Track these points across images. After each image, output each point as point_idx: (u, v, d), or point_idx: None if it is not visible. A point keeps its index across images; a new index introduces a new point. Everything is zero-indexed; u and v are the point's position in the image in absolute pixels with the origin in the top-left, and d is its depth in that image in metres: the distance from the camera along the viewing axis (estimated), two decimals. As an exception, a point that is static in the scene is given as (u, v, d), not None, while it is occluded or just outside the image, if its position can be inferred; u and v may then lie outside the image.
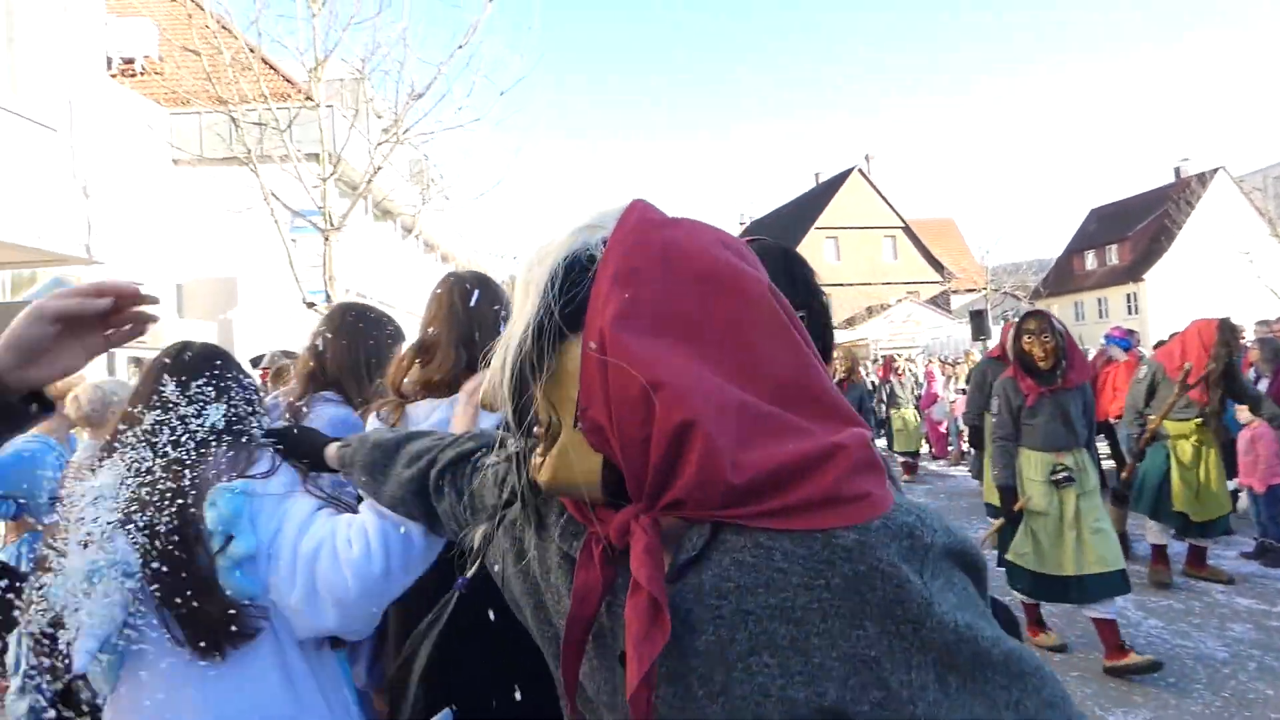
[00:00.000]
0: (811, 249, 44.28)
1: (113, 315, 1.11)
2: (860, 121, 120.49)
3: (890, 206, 44.84)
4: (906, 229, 44.87)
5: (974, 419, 6.55)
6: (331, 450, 1.38)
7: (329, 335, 2.07)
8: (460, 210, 13.57)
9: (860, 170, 45.10)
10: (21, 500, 3.34)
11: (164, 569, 1.26)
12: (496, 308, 1.68)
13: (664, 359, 0.70)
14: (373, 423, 1.72)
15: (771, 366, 0.73)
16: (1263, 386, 6.54)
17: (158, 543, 1.26)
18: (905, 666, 0.64)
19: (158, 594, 1.27)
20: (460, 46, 8.58)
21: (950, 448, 12.43)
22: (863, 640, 0.65)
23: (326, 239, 8.64)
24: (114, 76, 14.17)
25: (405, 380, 1.68)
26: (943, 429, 12.57)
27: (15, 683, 3.05)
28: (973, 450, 7.61)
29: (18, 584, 1.89)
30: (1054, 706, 0.64)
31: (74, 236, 10.04)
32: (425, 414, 1.59)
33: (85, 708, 1.34)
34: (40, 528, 3.25)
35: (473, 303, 1.66)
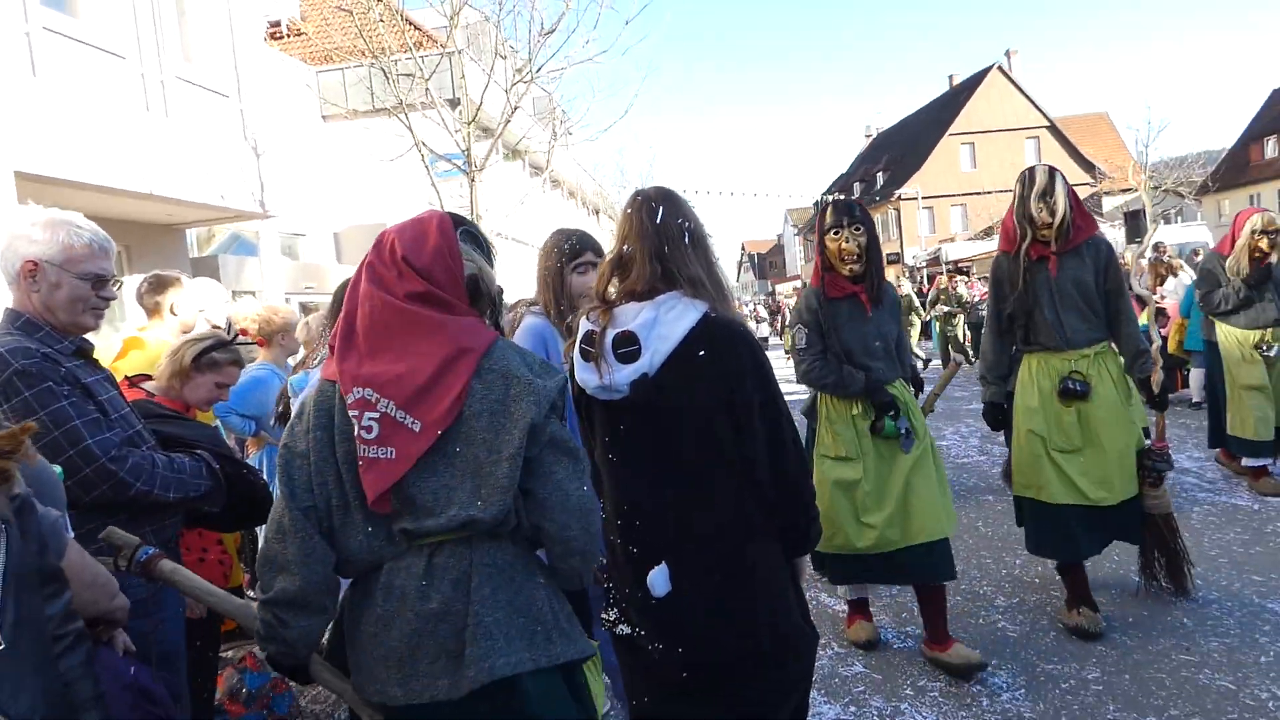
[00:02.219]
0: (945, 156, 41.60)
1: None
2: (999, 18, 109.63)
3: (1034, 104, 41.26)
4: (1052, 128, 41.24)
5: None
6: None
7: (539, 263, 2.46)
8: (588, 145, 13.79)
9: (1000, 68, 41.57)
10: (257, 419, 3.87)
11: None
12: (680, 220, 1.85)
13: None
14: (583, 325, 1.93)
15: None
16: None
17: None
18: None
19: None
20: (585, -22, 8.66)
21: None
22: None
23: (472, 180, 9.14)
24: (264, 40, 15.19)
25: (608, 289, 1.91)
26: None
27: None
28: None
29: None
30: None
31: (250, 194, 11.05)
32: (633, 314, 1.82)
33: None
34: (274, 442, 3.84)
35: (659, 219, 1.84)
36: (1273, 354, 5.07)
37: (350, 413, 1.42)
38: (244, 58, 10.61)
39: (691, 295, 1.78)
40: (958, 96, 43.63)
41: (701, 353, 1.73)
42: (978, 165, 41.04)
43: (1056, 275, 3.33)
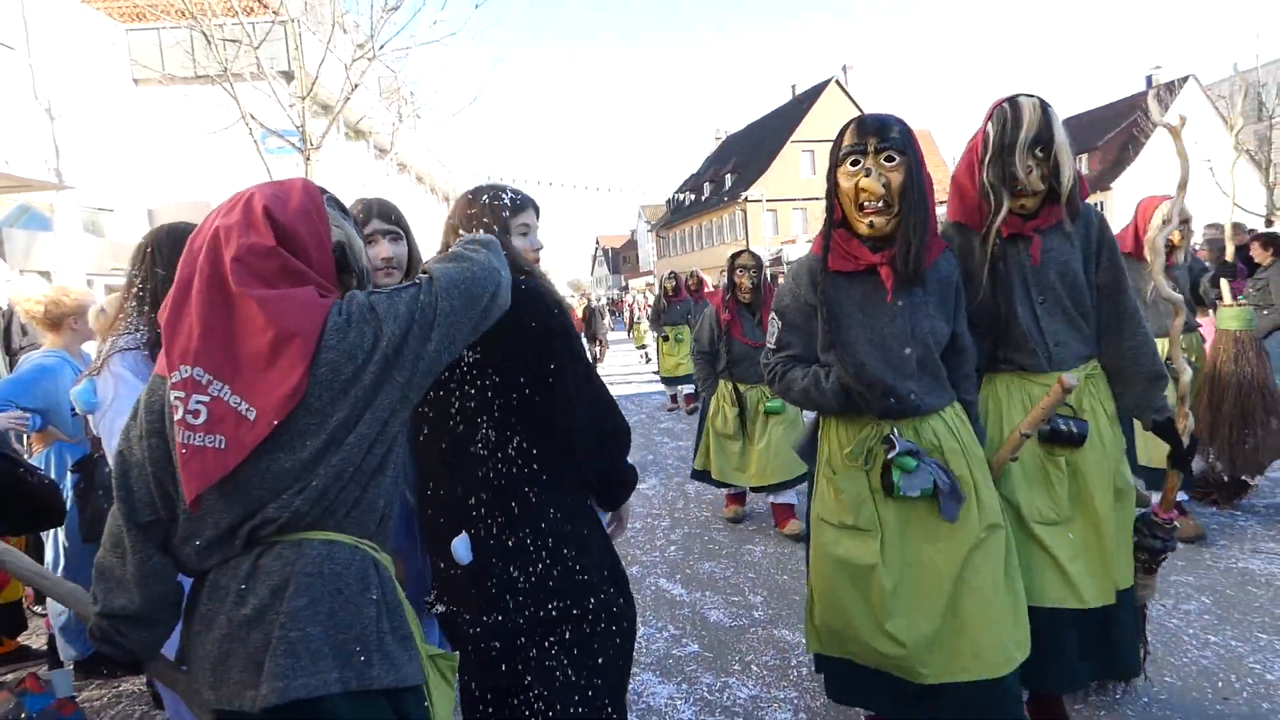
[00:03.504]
0: (788, 162, 43.87)
1: None
2: (837, 30, 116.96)
3: (866, 118, 44.19)
4: (882, 141, 44.39)
5: None
6: None
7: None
8: (436, 129, 13.33)
9: (838, 81, 44.31)
10: (44, 412, 3.48)
11: None
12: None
13: None
14: None
15: None
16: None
17: None
18: None
19: None
20: (432, -44, 8.39)
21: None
22: None
23: (307, 159, 8.59)
24: (63, -11, 13.49)
25: None
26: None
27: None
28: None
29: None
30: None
31: (42, 160, 9.83)
32: None
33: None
34: (64, 438, 3.45)
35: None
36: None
37: (173, 394, 1.28)
38: (34, 6, 9.38)
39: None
40: (800, 105, 46.07)
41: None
42: (817, 172, 43.55)
43: (1039, 263, 2.26)
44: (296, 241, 1.34)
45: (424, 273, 1.45)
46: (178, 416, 1.28)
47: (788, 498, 4.88)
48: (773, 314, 2.32)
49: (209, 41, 8.23)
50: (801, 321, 2.22)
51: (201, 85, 9.14)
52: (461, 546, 1.76)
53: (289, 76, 9.04)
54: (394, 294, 1.37)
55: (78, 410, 2.05)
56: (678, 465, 6.89)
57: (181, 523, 1.35)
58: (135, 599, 1.36)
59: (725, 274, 4.94)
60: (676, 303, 9.91)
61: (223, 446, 1.27)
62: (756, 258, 4.92)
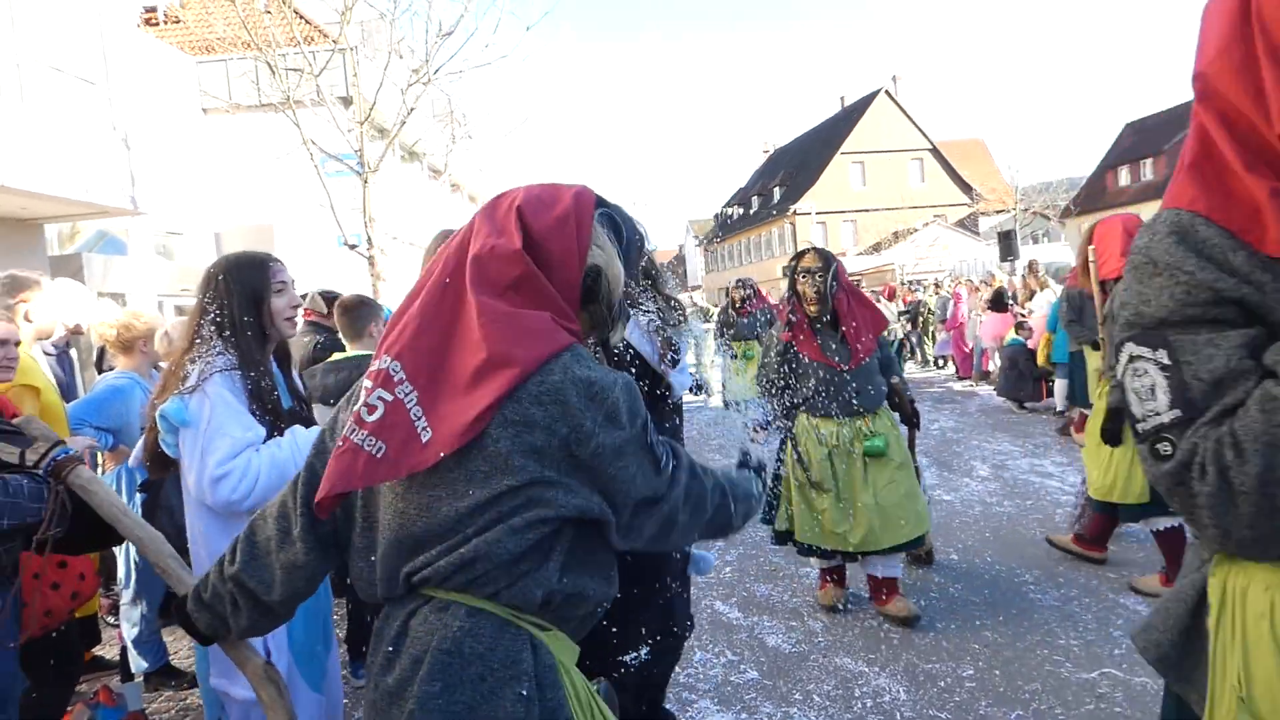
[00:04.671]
0: (837, 174, 43.41)
1: None
2: (887, 42, 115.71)
3: (918, 128, 43.62)
4: (934, 151, 43.74)
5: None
6: None
7: None
8: (487, 150, 13.60)
9: (887, 92, 43.78)
10: (116, 432, 3.61)
11: None
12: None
13: None
14: None
15: None
16: None
17: None
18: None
19: None
20: (485, -18, 8.56)
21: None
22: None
23: (365, 182, 8.82)
24: (138, 26, 14.19)
25: None
26: (967, 350, 12.72)
27: (127, 594, 3.42)
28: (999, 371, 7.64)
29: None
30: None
31: (119, 188, 10.29)
32: None
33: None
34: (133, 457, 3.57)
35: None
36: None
37: (364, 382, 1.14)
38: (113, 42, 9.87)
39: None
40: (849, 117, 45.61)
41: None
42: (866, 184, 43.02)
43: None
44: (543, 252, 1.14)
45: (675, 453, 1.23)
46: (355, 405, 1.14)
47: (890, 569, 3.73)
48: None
49: (273, 71, 8.55)
50: None
51: (265, 113, 9.49)
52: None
53: (347, 102, 9.33)
54: (639, 415, 1.15)
55: (165, 427, 2.09)
56: (730, 483, 6.80)
57: (359, 530, 1.22)
58: (272, 582, 1.27)
59: (787, 282, 3.82)
60: (746, 314, 8.63)
61: (379, 456, 1.09)
62: (826, 257, 3.74)
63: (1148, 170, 38.38)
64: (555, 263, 1.14)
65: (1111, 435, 3.70)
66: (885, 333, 3.81)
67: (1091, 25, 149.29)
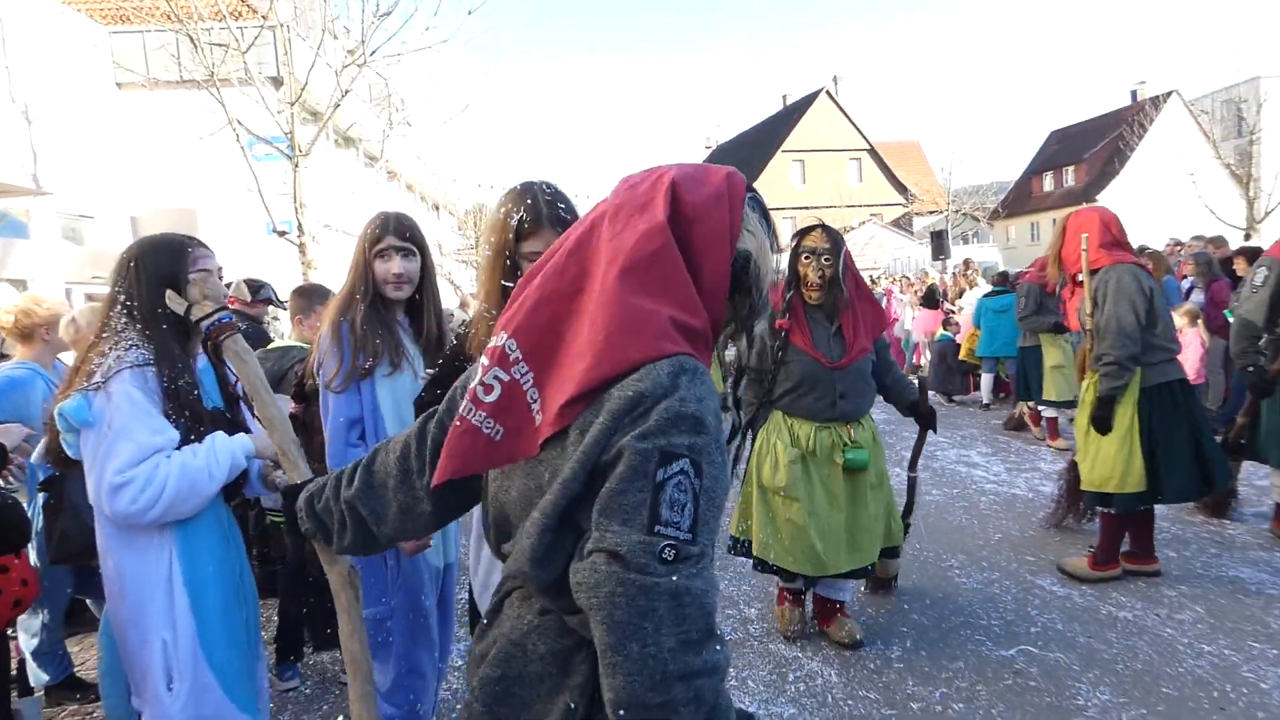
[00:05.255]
0: (778, 172, 44.03)
1: None
2: (830, 43, 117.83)
3: (857, 129, 44.55)
4: (872, 151, 44.75)
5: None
6: None
7: None
8: (425, 137, 13.29)
9: (828, 92, 44.57)
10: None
11: None
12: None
13: None
14: None
15: None
16: (1197, 298, 6.99)
17: None
18: None
19: None
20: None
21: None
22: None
23: (295, 166, 8.51)
24: (47, -7, 13.36)
25: None
26: (900, 344, 13.08)
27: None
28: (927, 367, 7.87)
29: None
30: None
31: (18, 165, 9.69)
32: None
33: None
34: (31, 454, 3.34)
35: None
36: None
37: (481, 359, 1.08)
38: (10, 5, 9.25)
39: None
40: (790, 116, 46.30)
41: None
42: (807, 182, 43.77)
43: None
44: (693, 230, 1.05)
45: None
46: (472, 384, 1.07)
47: (840, 592, 3.45)
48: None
49: (195, 45, 8.15)
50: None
51: (187, 90, 9.04)
52: None
53: (278, 83, 8.97)
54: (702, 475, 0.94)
55: (64, 427, 1.91)
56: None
57: (482, 497, 1.21)
58: (385, 517, 1.28)
59: (787, 262, 3.30)
60: None
61: (498, 439, 1.04)
62: (834, 237, 3.26)
63: (1070, 177, 40.11)
64: (701, 245, 1.05)
65: (1103, 423, 3.68)
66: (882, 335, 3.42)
67: (1021, 36, 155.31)
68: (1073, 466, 4.34)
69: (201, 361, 2.07)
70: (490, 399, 1.04)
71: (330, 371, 2.19)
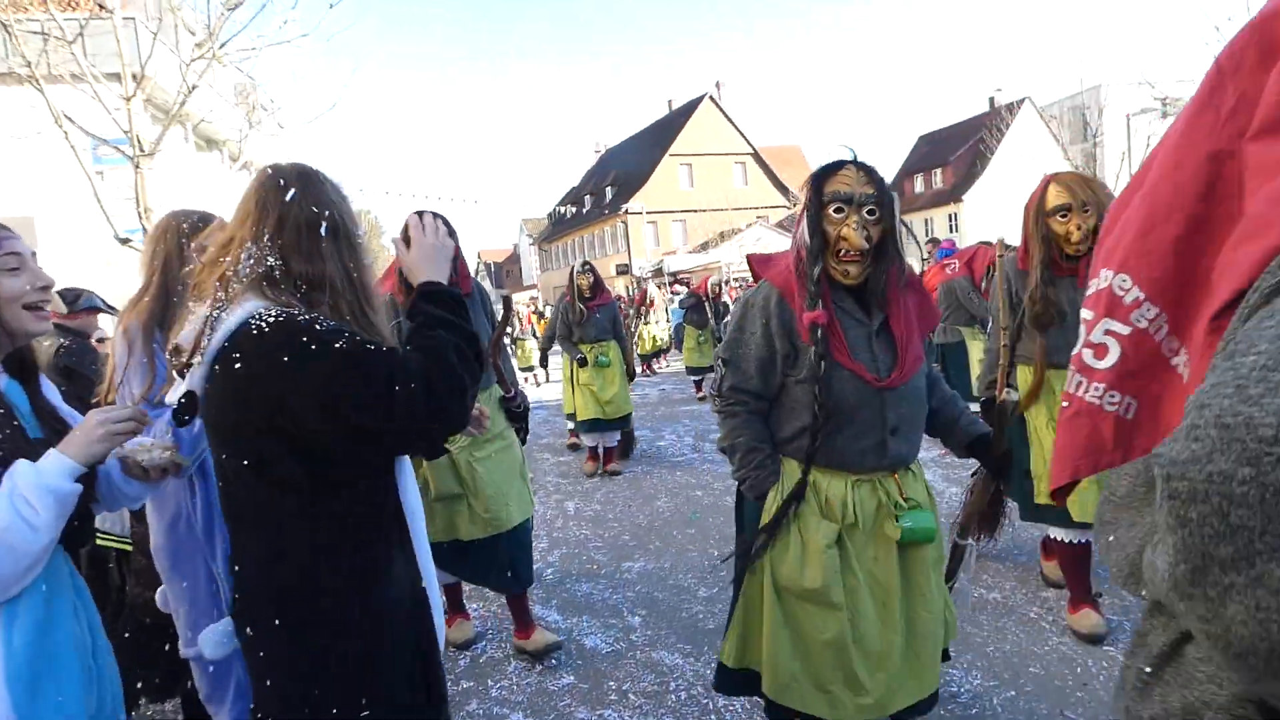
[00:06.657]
0: (666, 175, 44.58)
1: None
2: (711, 49, 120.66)
3: (740, 133, 45.69)
4: (756, 155, 46.01)
5: None
6: None
7: None
8: (291, 137, 12.53)
9: (711, 97, 45.49)
10: None
11: None
12: (318, 208, 1.48)
13: None
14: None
15: None
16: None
17: None
18: None
19: None
20: (279, -49, 7.83)
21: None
22: None
23: (137, 167, 7.80)
24: None
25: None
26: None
27: None
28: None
29: None
30: None
31: None
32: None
33: None
34: None
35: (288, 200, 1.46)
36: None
37: (1083, 312, 0.80)
38: None
39: (278, 294, 1.41)
40: (676, 120, 46.98)
41: (237, 365, 1.34)
42: (694, 185, 44.53)
43: None
44: None
45: None
46: (1075, 350, 0.81)
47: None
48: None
49: (8, 33, 7.32)
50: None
51: (5, 86, 8.13)
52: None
53: (119, 78, 8.18)
54: None
55: None
56: (557, 483, 6.66)
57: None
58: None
59: (808, 219, 2.16)
60: (595, 307, 6.59)
61: (1130, 416, 0.76)
62: (876, 179, 2.07)
63: (938, 178, 42.57)
64: None
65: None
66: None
67: (890, 44, 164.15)
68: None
69: (4, 380, 1.57)
70: (1106, 363, 0.77)
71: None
